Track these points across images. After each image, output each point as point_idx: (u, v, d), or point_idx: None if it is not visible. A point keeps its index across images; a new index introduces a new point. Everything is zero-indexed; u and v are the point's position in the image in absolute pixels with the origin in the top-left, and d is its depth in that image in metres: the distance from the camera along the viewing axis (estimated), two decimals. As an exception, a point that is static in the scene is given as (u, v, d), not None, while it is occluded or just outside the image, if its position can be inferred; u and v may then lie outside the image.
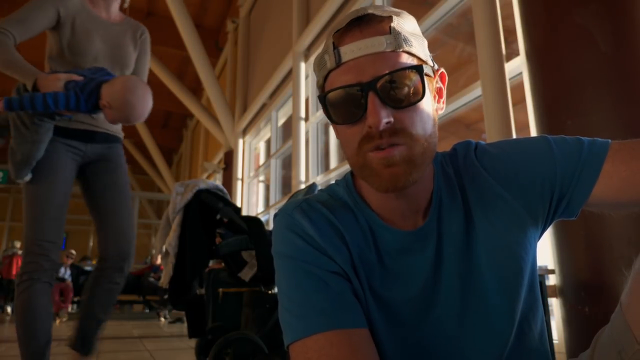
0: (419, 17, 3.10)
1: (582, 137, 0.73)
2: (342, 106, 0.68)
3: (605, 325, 0.68)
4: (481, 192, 0.74)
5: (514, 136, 2.10)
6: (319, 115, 4.41)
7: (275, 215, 0.77)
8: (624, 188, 0.68)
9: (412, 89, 0.65)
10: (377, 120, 0.64)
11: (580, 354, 0.73)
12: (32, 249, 1.61)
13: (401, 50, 0.66)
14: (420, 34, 0.72)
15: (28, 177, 1.64)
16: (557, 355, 1.72)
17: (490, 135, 2.16)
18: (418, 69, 0.66)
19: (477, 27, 2.31)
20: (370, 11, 0.69)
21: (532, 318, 0.74)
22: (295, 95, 4.63)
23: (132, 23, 1.99)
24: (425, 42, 0.72)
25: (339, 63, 0.68)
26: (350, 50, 0.67)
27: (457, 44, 4.21)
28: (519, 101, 2.15)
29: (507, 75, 2.19)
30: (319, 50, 3.88)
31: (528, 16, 1.92)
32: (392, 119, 0.65)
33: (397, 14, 0.70)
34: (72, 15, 1.78)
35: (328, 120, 0.75)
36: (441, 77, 0.74)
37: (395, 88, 0.65)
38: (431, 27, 3.07)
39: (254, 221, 2.41)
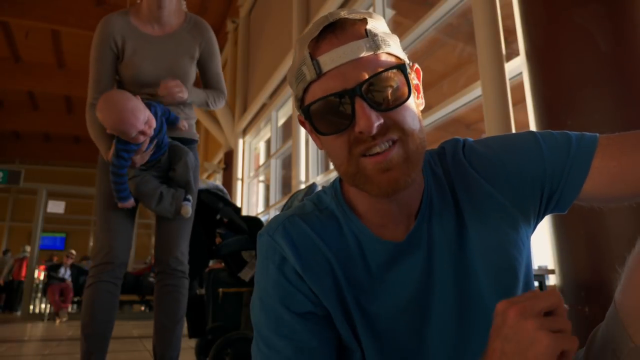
0: (419, 17, 3.10)
1: (570, 132, 0.73)
2: (328, 116, 0.66)
3: (600, 324, 0.68)
4: (471, 192, 0.73)
5: (514, 136, 2.10)
6: (319, 115, 4.41)
7: (261, 234, 0.75)
8: (613, 183, 0.68)
9: (398, 89, 0.65)
10: (369, 124, 0.62)
11: (576, 352, 0.72)
12: (102, 250, 1.72)
13: (380, 51, 0.65)
14: (389, 31, 0.71)
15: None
16: (557, 355, 1.72)
17: (490, 135, 2.16)
18: (401, 68, 0.65)
19: (477, 27, 2.31)
20: (342, 15, 0.67)
21: None
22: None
23: (191, 25, 1.87)
24: (398, 40, 0.71)
25: (319, 74, 0.65)
26: (331, 59, 0.64)
27: (457, 44, 4.21)
28: (519, 101, 2.15)
29: (507, 75, 2.19)
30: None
31: (528, 16, 1.92)
32: (382, 121, 0.64)
33: (369, 15, 0.69)
34: (122, 37, 1.78)
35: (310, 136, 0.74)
36: (417, 73, 0.73)
37: (381, 90, 0.64)
38: (431, 27, 3.07)
39: (254, 221, 2.42)
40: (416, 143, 0.66)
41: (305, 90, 0.69)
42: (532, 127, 1.87)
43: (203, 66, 1.91)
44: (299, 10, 4.70)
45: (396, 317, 0.71)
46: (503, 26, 2.24)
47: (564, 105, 1.71)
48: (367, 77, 0.63)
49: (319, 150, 4.45)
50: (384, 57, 0.65)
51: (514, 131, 2.12)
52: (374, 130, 0.63)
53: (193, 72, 1.88)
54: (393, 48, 0.67)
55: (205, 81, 1.96)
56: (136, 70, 1.77)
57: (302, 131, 4.54)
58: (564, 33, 1.73)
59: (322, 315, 0.70)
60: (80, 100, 9.42)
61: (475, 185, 0.73)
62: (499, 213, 0.72)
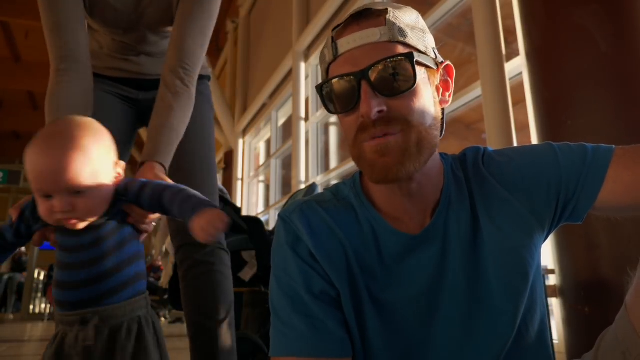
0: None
1: (586, 144, 0.74)
2: (338, 95, 0.70)
3: (609, 327, 0.69)
4: (488, 197, 0.74)
5: (514, 136, 2.10)
6: (319, 115, 4.41)
7: (279, 215, 0.78)
8: (627, 193, 0.68)
9: (404, 77, 0.66)
10: (369, 110, 0.65)
11: (584, 355, 0.73)
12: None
13: (395, 41, 0.67)
14: (423, 27, 0.72)
15: None
16: (557, 355, 1.72)
17: (490, 135, 2.16)
18: (408, 56, 0.66)
19: (477, 27, 2.31)
20: (368, 6, 0.70)
21: (530, 319, 0.75)
22: (295, 95, 4.63)
23: None
24: (428, 36, 0.72)
25: (336, 55, 0.69)
26: (347, 43, 0.68)
27: (457, 44, 4.21)
28: (519, 101, 2.15)
29: (507, 75, 2.19)
30: (319, 50, 3.85)
31: (528, 16, 1.92)
32: (384, 108, 0.66)
33: (396, 7, 0.70)
34: None
35: (327, 119, 0.76)
36: (447, 70, 0.75)
37: (388, 76, 0.65)
38: (431, 27, 3.07)
39: (254, 221, 2.42)
40: (420, 136, 0.67)
41: (327, 71, 0.73)
42: (532, 127, 1.87)
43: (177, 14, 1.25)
44: (298, 11, 4.70)
45: (404, 308, 0.72)
46: (503, 26, 2.24)
47: (564, 105, 1.71)
48: (374, 62, 0.65)
49: (319, 150, 4.47)
50: (398, 47, 0.67)
51: (514, 131, 2.12)
52: (373, 116, 0.65)
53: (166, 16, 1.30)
54: (412, 40, 0.68)
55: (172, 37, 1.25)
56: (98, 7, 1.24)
57: (302, 131, 4.54)
58: (563, 33, 1.73)
59: (335, 296, 0.72)
60: (80, 100, 9.41)
61: (492, 191, 0.75)
62: (513, 218, 0.73)
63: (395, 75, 0.66)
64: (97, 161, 0.85)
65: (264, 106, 6.08)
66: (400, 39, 0.67)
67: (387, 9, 0.69)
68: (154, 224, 0.99)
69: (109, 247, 0.89)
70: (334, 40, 0.70)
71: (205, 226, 0.81)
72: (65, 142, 0.81)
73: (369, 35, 0.66)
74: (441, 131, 0.76)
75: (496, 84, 2.17)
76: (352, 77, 0.66)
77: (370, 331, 0.72)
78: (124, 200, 0.92)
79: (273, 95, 5.74)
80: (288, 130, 5.47)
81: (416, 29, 0.70)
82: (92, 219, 0.86)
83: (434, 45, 0.73)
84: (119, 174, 0.92)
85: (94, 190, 0.84)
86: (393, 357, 0.72)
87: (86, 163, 0.82)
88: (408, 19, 0.70)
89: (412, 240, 0.73)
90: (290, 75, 4.89)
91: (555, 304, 1.74)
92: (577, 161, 0.72)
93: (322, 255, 0.72)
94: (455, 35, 3.94)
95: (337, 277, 0.72)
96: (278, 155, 5.71)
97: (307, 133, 4.56)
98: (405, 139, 0.66)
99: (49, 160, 0.80)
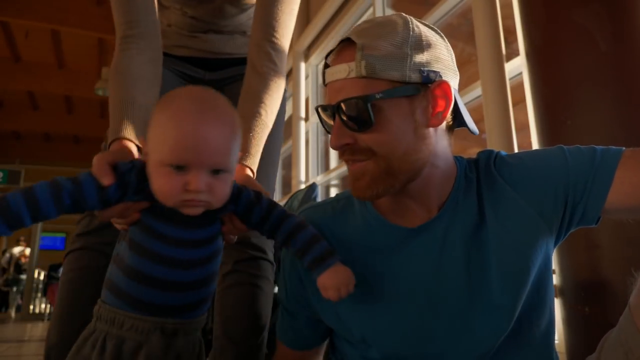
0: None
1: (596, 146, 0.75)
2: (323, 121, 0.78)
3: (613, 328, 0.69)
4: (496, 197, 0.77)
5: (514, 136, 2.10)
6: (319, 115, 4.41)
7: None
8: (635, 193, 0.69)
9: (361, 117, 0.70)
10: (335, 142, 0.73)
11: (587, 357, 0.73)
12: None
13: (363, 77, 0.70)
14: (406, 52, 0.71)
15: None
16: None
17: (490, 135, 2.16)
18: (363, 99, 0.69)
19: (477, 27, 2.31)
20: (349, 35, 0.73)
21: (536, 318, 0.75)
22: (295, 95, 4.63)
23: None
24: (414, 59, 0.71)
25: (325, 83, 0.76)
26: (328, 75, 0.75)
27: (457, 44, 4.21)
28: (519, 101, 2.15)
29: (507, 75, 2.19)
30: (319, 51, 3.84)
31: (528, 16, 1.92)
32: (350, 141, 0.72)
33: (374, 35, 0.71)
34: None
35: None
36: (439, 88, 0.73)
37: (351, 114, 0.71)
38: (431, 27, 3.07)
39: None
40: (390, 164, 0.71)
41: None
42: (532, 127, 1.87)
43: None
44: (299, 11, 4.69)
45: (401, 298, 0.75)
46: (503, 26, 2.24)
47: (564, 105, 1.71)
48: (339, 99, 0.72)
49: (319, 150, 4.47)
50: (361, 84, 0.70)
51: (514, 131, 2.12)
52: (338, 148, 0.73)
53: None
54: (385, 72, 0.70)
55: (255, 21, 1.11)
56: None
57: (302, 131, 4.54)
58: (563, 33, 1.73)
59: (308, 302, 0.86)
60: (80, 100, 9.42)
61: (500, 190, 0.77)
62: (520, 217, 0.75)
63: (354, 114, 0.70)
64: (240, 143, 0.74)
65: (264, 106, 6.07)
66: (367, 74, 0.69)
67: (359, 43, 0.71)
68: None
69: (215, 250, 0.77)
70: (325, 66, 0.77)
71: (339, 286, 0.71)
72: (221, 114, 0.70)
73: (340, 71, 0.72)
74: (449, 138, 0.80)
75: (496, 84, 2.17)
76: (329, 109, 0.74)
77: (367, 320, 0.75)
78: (230, 208, 0.78)
79: (273, 95, 5.73)
80: (288, 130, 5.47)
81: (393, 58, 0.70)
82: (214, 206, 0.72)
83: (424, 67, 0.71)
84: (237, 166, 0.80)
85: (231, 174, 0.72)
86: (390, 345, 0.73)
87: (237, 142, 0.72)
88: (386, 47, 0.70)
89: (408, 232, 0.76)
90: (290, 75, 4.89)
91: (555, 304, 1.74)
92: (585, 163, 0.72)
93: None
94: (455, 35, 3.94)
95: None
96: (278, 155, 5.70)
97: (307, 133, 4.56)
98: (374, 167, 0.71)
99: (203, 128, 0.67)
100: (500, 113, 2.13)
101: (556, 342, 1.80)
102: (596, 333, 0.73)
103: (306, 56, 4.69)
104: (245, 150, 0.93)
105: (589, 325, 1.56)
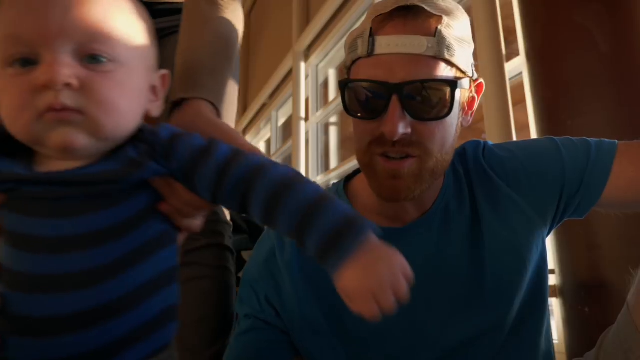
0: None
1: (589, 139, 0.74)
2: (362, 100, 0.63)
3: (611, 326, 0.69)
4: (490, 194, 0.75)
5: (514, 136, 2.10)
6: (319, 115, 4.41)
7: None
8: (631, 188, 0.69)
9: (439, 104, 0.60)
10: (394, 131, 0.59)
11: (586, 354, 0.73)
12: None
13: (441, 58, 0.60)
14: (469, 38, 0.65)
15: None
16: (557, 356, 1.72)
17: (490, 135, 2.16)
18: (452, 84, 0.60)
19: (477, 27, 2.31)
20: (419, 3, 0.61)
21: (534, 319, 0.75)
22: (295, 95, 4.63)
23: None
24: (471, 48, 0.66)
25: (370, 53, 0.61)
26: (387, 44, 0.59)
27: (457, 44, 4.20)
28: (519, 101, 2.14)
29: (507, 75, 2.19)
30: (319, 51, 3.83)
31: (528, 16, 1.92)
32: (409, 130, 0.60)
33: (449, 13, 0.62)
34: None
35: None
36: (478, 87, 0.70)
37: (422, 99, 0.59)
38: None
39: (254, 222, 2.41)
40: (435, 162, 0.65)
41: (354, 62, 0.66)
42: (532, 127, 1.87)
43: None
44: (299, 10, 4.70)
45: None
46: (503, 26, 2.24)
47: (564, 105, 1.71)
48: (413, 79, 0.59)
49: (319, 150, 4.46)
50: (441, 65, 0.60)
51: (514, 131, 2.12)
52: (397, 137, 0.60)
53: None
54: (458, 58, 0.62)
55: None
56: None
57: (302, 131, 4.53)
58: (564, 33, 1.73)
59: (275, 322, 0.83)
60: (80, 100, 9.39)
61: (494, 187, 0.74)
62: (516, 214, 0.73)
63: (430, 100, 0.59)
64: (139, 33, 0.47)
65: (263, 106, 6.08)
66: (447, 56, 0.60)
67: (441, 16, 0.60)
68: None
69: (122, 251, 0.44)
70: (372, 34, 0.60)
71: (375, 290, 0.43)
72: None
73: (415, 44, 0.57)
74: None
75: (496, 84, 2.17)
76: (384, 88, 0.59)
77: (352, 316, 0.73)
78: (154, 167, 0.46)
79: (273, 95, 5.74)
80: (288, 130, 5.47)
81: (464, 43, 0.63)
82: (103, 131, 0.43)
83: (472, 60, 0.67)
84: (156, 95, 0.52)
85: (128, 71, 0.45)
86: (373, 336, 0.73)
87: (122, 14, 0.46)
88: (460, 29, 0.63)
89: (394, 232, 0.71)
90: (290, 75, 4.89)
91: (555, 304, 1.74)
92: (580, 157, 0.71)
93: (271, 280, 0.83)
94: (455, 35, 3.94)
95: (285, 301, 0.81)
96: (278, 155, 5.70)
97: (307, 133, 4.56)
98: (420, 166, 0.63)
99: None
100: (500, 113, 2.13)
101: (556, 342, 1.80)
102: (596, 333, 0.73)
103: (306, 56, 4.69)
104: (198, 82, 0.67)
105: (589, 325, 1.56)
